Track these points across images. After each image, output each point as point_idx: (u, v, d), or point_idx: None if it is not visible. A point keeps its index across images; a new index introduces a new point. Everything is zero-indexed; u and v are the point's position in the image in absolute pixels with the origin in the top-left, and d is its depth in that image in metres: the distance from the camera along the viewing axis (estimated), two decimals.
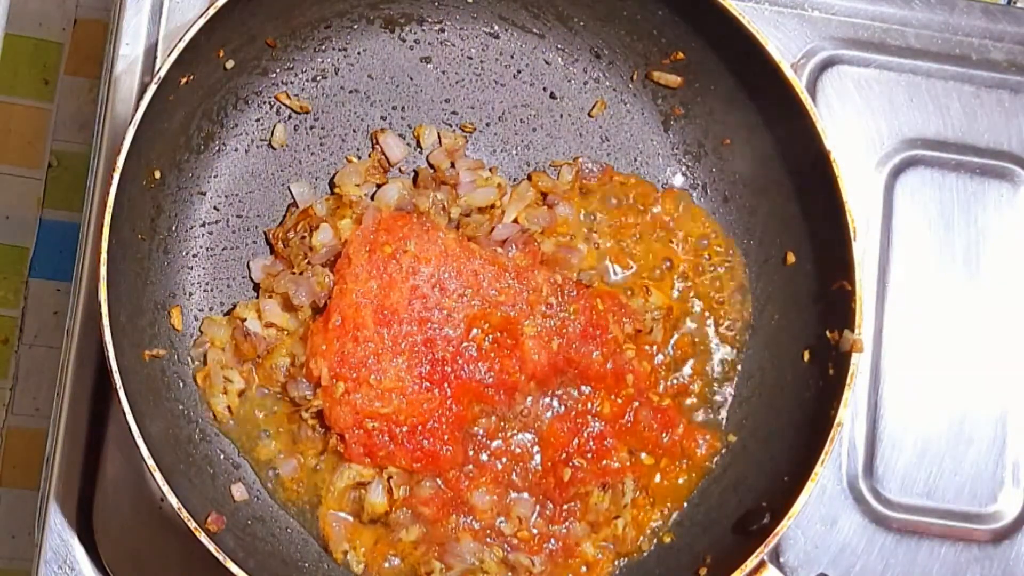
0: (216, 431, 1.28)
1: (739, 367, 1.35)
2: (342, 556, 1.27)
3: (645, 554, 1.31)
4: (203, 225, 1.31)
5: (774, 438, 1.30)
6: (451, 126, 1.36)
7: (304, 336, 1.28)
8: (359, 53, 1.35)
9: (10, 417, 2.01)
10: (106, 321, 1.15)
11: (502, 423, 1.30)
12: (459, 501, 1.28)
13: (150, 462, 1.15)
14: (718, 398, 1.35)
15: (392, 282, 1.27)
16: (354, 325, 1.26)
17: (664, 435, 1.32)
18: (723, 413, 1.35)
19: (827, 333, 1.27)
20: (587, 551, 1.30)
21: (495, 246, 1.32)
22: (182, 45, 1.18)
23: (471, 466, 1.29)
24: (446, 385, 1.27)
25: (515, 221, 1.33)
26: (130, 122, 1.16)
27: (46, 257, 2.04)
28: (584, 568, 1.30)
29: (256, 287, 1.31)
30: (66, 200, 2.05)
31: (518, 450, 1.30)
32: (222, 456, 1.28)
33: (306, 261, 1.29)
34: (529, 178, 1.36)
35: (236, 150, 1.32)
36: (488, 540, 1.29)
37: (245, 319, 1.29)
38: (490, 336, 1.29)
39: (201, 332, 1.29)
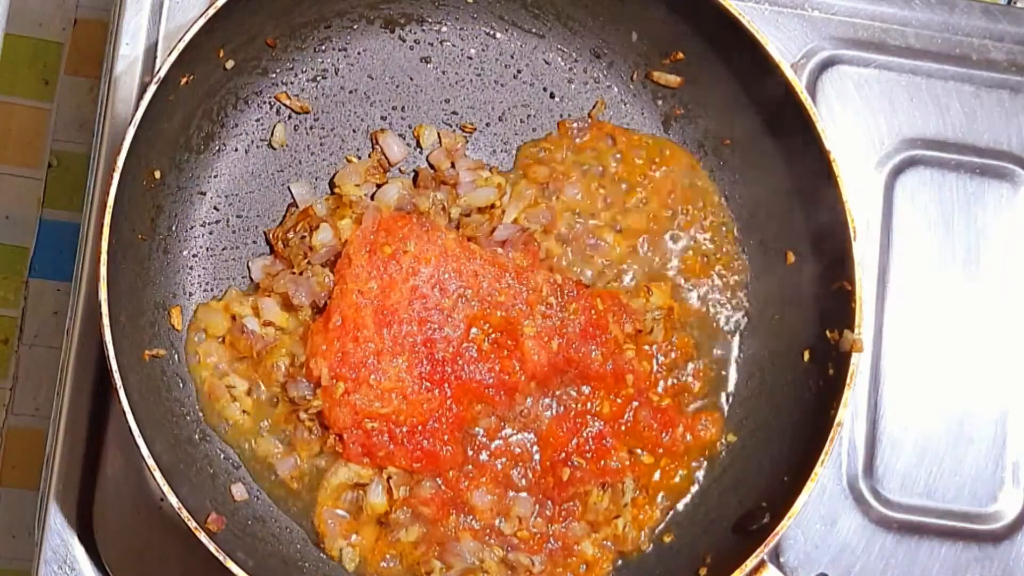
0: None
1: (739, 367, 1.35)
2: (337, 553, 1.27)
3: (645, 554, 1.31)
4: (203, 225, 1.31)
5: (774, 438, 1.30)
6: (451, 126, 1.36)
7: (304, 336, 1.28)
8: (359, 53, 1.35)
9: (10, 417, 2.01)
10: (106, 321, 1.15)
11: (502, 423, 1.30)
12: (459, 501, 1.28)
13: (150, 462, 1.15)
14: (718, 398, 1.35)
15: (392, 282, 1.27)
16: (354, 325, 1.26)
17: (664, 435, 1.32)
18: (723, 413, 1.34)
19: (827, 333, 1.27)
20: (587, 550, 1.30)
21: (495, 246, 1.32)
22: (182, 45, 1.18)
23: (471, 466, 1.29)
24: (446, 385, 1.26)
25: (515, 221, 1.33)
26: (130, 122, 1.16)
27: (46, 257, 2.04)
28: (584, 567, 1.30)
29: (256, 287, 1.31)
30: (66, 200, 2.04)
31: (518, 450, 1.30)
32: (222, 456, 1.28)
33: (306, 261, 1.29)
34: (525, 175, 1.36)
35: (236, 150, 1.32)
36: (488, 540, 1.29)
37: (243, 316, 1.28)
38: (490, 336, 1.29)
39: (196, 317, 1.28)
